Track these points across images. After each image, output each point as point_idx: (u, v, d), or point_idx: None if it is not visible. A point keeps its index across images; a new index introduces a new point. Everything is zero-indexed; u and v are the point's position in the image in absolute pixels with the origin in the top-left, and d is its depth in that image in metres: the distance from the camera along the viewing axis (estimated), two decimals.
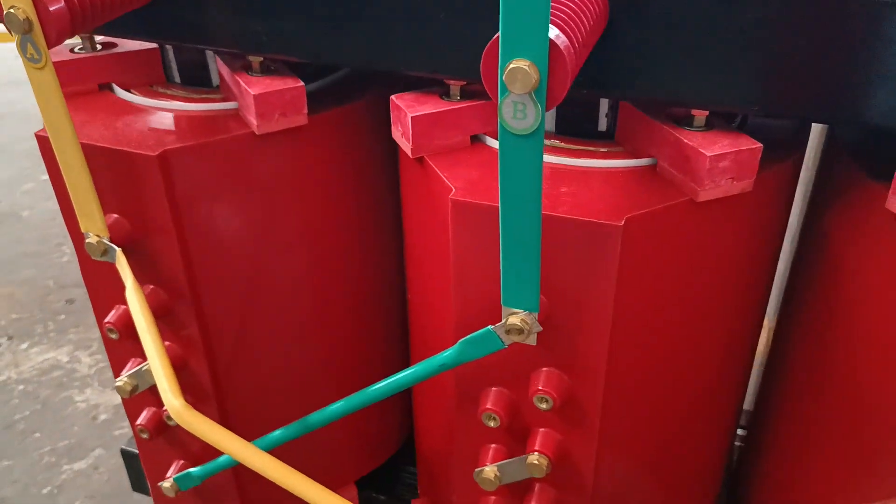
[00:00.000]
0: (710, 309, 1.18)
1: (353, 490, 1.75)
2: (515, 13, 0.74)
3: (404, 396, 1.74)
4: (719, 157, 0.99)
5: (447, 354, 1.13)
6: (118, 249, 1.23)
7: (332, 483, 1.25)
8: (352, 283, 1.53)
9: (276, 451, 1.24)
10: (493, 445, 1.26)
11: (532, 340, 1.08)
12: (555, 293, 1.07)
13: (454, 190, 1.07)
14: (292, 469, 1.24)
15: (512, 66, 0.75)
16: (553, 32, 0.77)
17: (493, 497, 1.32)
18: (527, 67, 0.75)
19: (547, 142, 1.18)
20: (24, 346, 3.10)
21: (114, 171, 1.21)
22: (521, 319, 1.05)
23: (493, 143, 1.18)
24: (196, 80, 1.40)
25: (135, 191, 1.22)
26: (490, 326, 1.07)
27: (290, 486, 1.22)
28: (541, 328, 1.06)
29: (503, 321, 1.05)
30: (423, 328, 1.41)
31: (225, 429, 1.15)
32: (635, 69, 1.02)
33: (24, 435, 2.67)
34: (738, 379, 1.40)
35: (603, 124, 1.20)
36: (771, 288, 1.38)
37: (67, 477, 2.50)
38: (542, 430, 1.21)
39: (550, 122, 1.21)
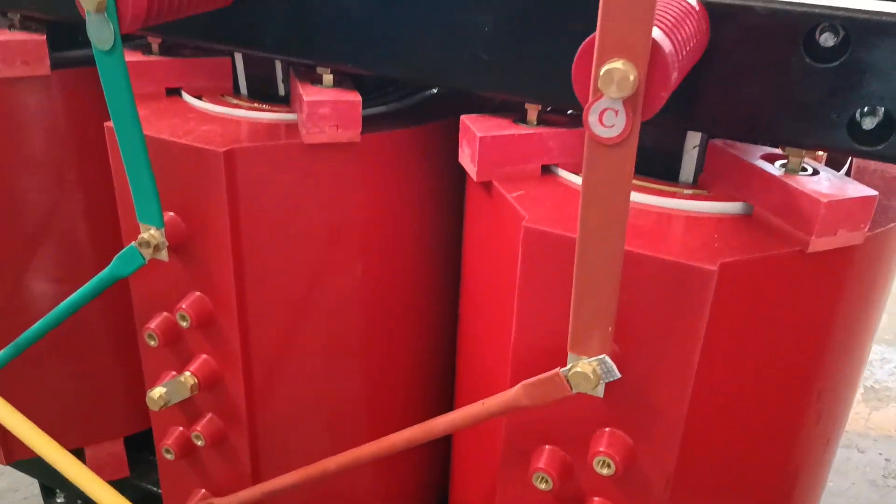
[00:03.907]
0: (345, 253, 1.31)
1: (119, 444, 1.87)
2: None
3: None
4: (318, 103, 1.15)
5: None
6: None
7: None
8: None
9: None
10: (172, 372, 1.39)
11: (163, 256, 1.23)
12: (184, 214, 1.23)
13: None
14: None
15: None
16: None
17: (179, 428, 1.44)
18: None
19: (240, 101, 1.36)
20: None
21: None
22: (150, 234, 1.21)
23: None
24: None
25: None
26: (133, 243, 1.23)
27: None
28: (167, 243, 1.21)
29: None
30: None
31: None
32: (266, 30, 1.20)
33: None
34: (421, 332, 1.52)
35: (282, 90, 1.38)
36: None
37: None
38: (203, 355, 1.34)
39: (244, 88, 1.40)
